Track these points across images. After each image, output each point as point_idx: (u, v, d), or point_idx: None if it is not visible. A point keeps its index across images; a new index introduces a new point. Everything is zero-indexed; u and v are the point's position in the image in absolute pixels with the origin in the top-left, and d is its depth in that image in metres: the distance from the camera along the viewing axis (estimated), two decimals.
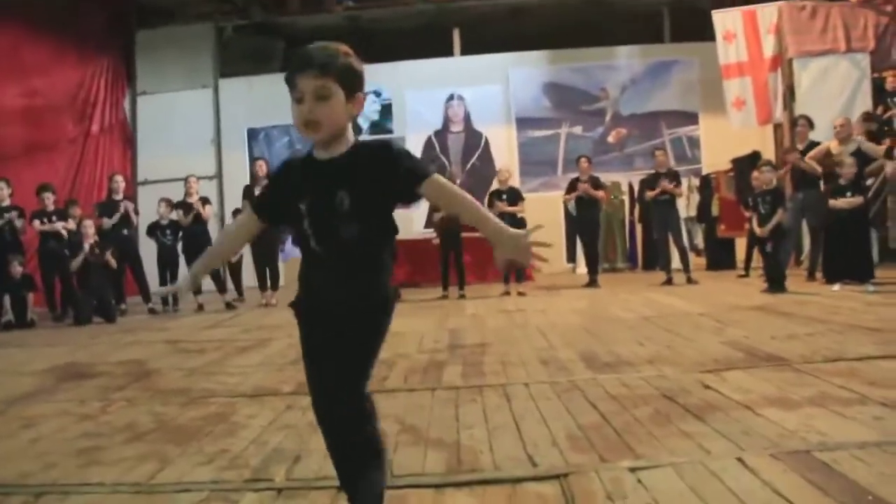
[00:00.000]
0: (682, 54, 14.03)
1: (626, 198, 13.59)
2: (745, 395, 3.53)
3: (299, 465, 2.92)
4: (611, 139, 14.14)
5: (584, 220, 10.69)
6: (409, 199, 2.02)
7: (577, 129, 14.11)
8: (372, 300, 2.03)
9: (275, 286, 10.25)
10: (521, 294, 9.57)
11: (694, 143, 14.06)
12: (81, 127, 13.66)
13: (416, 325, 7.15)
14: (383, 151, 2.01)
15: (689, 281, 9.78)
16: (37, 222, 9.63)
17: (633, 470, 2.59)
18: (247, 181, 10.46)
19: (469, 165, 14.12)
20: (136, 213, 10.39)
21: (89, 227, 9.48)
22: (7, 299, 9.12)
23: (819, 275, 8.92)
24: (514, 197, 10.10)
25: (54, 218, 9.73)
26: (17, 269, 9.18)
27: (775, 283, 8.18)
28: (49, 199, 9.82)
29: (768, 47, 11.89)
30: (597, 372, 4.33)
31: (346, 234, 1.96)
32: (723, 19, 12.12)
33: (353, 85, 2.01)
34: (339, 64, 1.99)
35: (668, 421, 3.17)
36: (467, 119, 14.24)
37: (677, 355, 4.74)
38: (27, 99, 12.89)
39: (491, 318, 7.49)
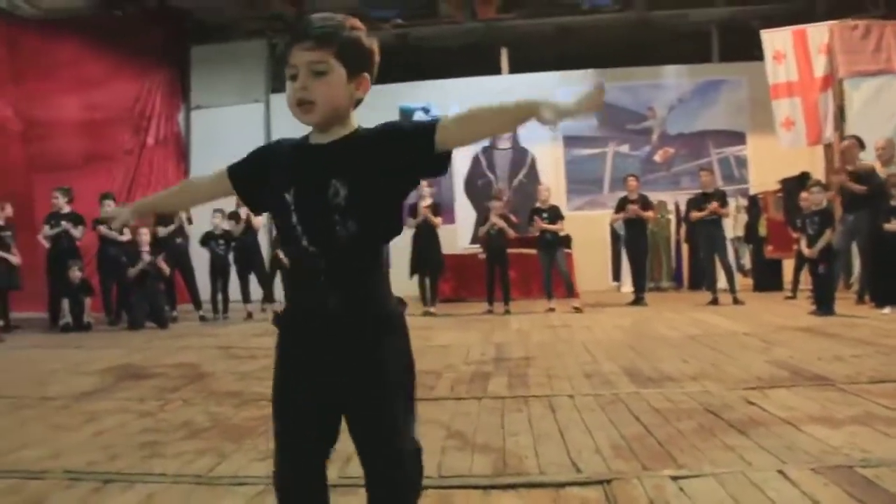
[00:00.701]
0: (731, 74, 13.98)
1: (672, 217, 13.54)
2: (789, 412, 3.56)
3: (351, 464, 3.01)
4: (657, 158, 14.12)
5: (633, 239, 10.71)
6: (429, 158, 1.64)
7: (624, 148, 14.12)
8: (375, 314, 1.67)
9: None
10: (576, 309, 9.60)
11: (741, 162, 13.98)
12: (138, 139, 14.04)
13: (463, 338, 7.27)
14: (383, 128, 1.72)
15: (736, 301, 9.73)
16: (101, 227, 9.98)
17: (675, 478, 2.66)
18: None
19: (516, 182, 14.20)
20: (190, 222, 10.67)
21: (145, 234, 9.76)
22: (66, 303, 9.44)
23: (868, 298, 8.82)
24: (554, 215, 10.15)
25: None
26: (76, 274, 9.51)
27: (824, 305, 8.11)
28: (110, 207, 10.17)
29: (819, 67, 11.81)
30: (640, 386, 4.38)
31: (344, 233, 1.63)
32: (772, 39, 12.06)
33: (357, 62, 1.71)
34: (340, 36, 1.69)
35: (710, 434, 3.22)
36: (514, 137, 14.33)
37: (721, 373, 4.76)
38: (87, 112, 13.36)
39: (536, 333, 7.55)
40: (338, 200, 1.63)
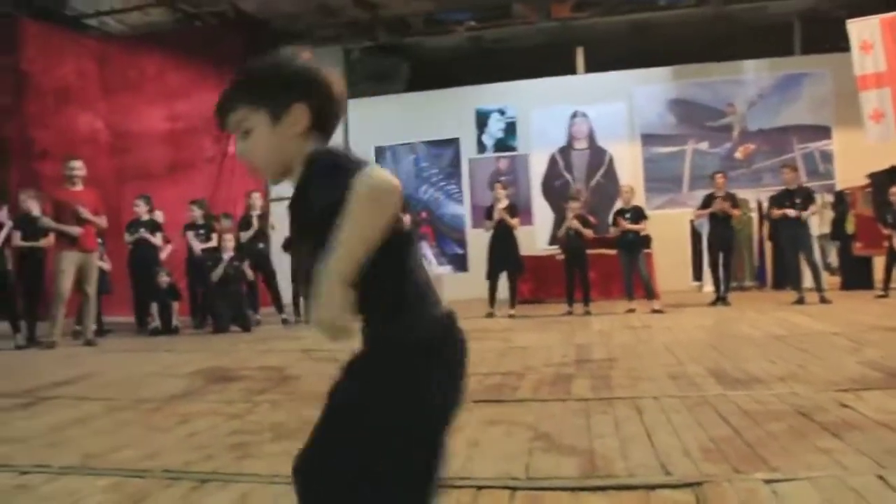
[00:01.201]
0: (814, 66, 13.58)
1: (754, 215, 13.23)
2: (886, 415, 3.44)
3: None
4: (738, 155, 13.80)
5: (719, 237, 10.45)
6: None
7: (704, 146, 13.85)
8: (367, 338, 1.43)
9: None
10: (656, 311, 9.45)
11: (827, 157, 13.56)
12: (219, 147, 14.39)
13: (543, 339, 7.26)
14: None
15: (823, 300, 9.44)
16: (189, 234, 10.32)
17: (768, 482, 2.60)
18: None
19: (594, 182, 14.08)
20: (272, 227, 10.89)
21: (229, 240, 10.01)
22: (155, 307, 9.77)
23: None
24: (637, 216, 10.03)
25: (201, 231, 10.40)
26: (164, 279, 9.82)
27: None
28: (198, 214, 10.51)
29: None
30: (727, 388, 4.29)
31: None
32: (859, 29, 11.67)
33: (273, 98, 1.48)
34: (243, 82, 1.53)
35: (802, 437, 3.14)
36: (591, 136, 14.21)
37: (810, 374, 4.64)
38: (171, 122, 13.80)
39: (617, 334, 7.48)
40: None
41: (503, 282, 10.20)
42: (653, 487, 2.62)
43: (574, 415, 3.84)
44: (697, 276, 13.00)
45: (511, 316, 9.84)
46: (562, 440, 3.33)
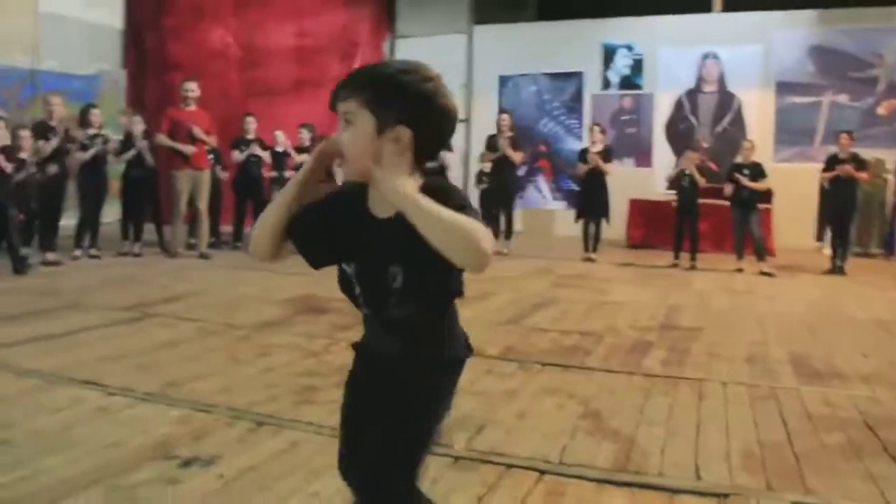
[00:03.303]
0: None
1: (890, 177, 12.39)
2: None
3: (480, 435, 3.14)
4: (881, 111, 12.85)
5: (840, 200, 9.81)
6: None
7: (843, 98, 12.96)
8: (429, 358, 1.67)
9: (509, 234, 10.47)
10: (765, 274, 9.07)
11: None
12: (345, 66, 14.57)
13: (638, 295, 7.16)
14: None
15: None
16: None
17: None
18: (493, 129, 10.73)
19: (720, 128, 13.48)
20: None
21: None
22: None
23: None
24: (756, 173, 9.54)
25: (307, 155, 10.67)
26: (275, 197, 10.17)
27: None
28: (306, 136, 10.73)
29: None
30: (802, 382, 4.15)
31: (398, 314, 1.61)
32: None
33: (385, 110, 1.52)
34: (368, 80, 1.56)
35: (856, 455, 3.01)
36: (721, 80, 13.54)
37: None
38: (299, 39, 14.05)
39: (714, 298, 7.26)
40: (395, 285, 1.57)
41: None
42: (677, 491, 2.62)
43: (634, 393, 3.83)
44: (820, 236, 12.39)
45: (591, 259, 9.87)
46: (609, 422, 3.34)
